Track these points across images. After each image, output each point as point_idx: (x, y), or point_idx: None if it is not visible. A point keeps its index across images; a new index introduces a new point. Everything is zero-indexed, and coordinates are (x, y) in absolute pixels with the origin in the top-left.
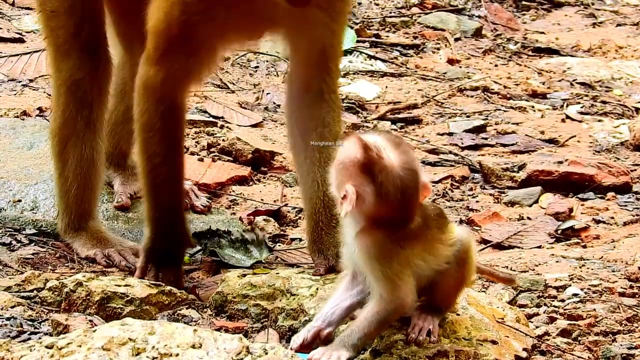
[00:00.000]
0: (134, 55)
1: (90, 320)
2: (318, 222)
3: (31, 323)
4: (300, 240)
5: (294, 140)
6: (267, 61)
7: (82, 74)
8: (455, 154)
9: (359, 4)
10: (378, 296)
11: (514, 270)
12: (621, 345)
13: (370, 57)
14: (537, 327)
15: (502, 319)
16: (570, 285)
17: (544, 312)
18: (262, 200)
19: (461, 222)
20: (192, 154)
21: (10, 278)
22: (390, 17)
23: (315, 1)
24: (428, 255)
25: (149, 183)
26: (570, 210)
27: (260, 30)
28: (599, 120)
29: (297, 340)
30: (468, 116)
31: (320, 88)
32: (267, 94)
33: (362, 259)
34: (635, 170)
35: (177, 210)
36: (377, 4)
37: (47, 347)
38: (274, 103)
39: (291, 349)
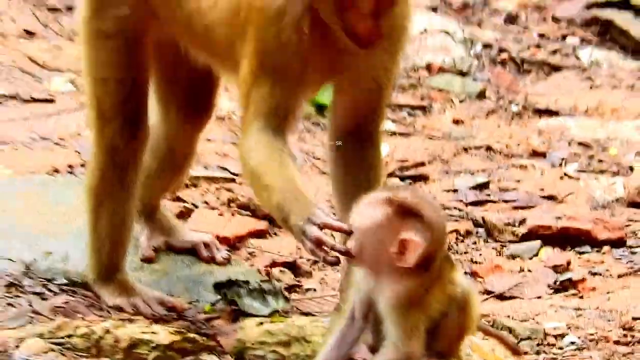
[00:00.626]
0: (168, 118)
1: None
2: None
3: None
4: (315, 290)
5: (337, 183)
6: None
7: (122, 140)
8: (460, 210)
9: None
10: (393, 345)
11: (515, 319)
12: None
13: None
14: None
15: None
16: (568, 334)
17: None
18: (278, 252)
19: (465, 273)
20: (213, 208)
21: (43, 325)
22: (399, 79)
23: (379, 43)
24: (442, 295)
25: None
26: (568, 263)
27: (327, 79)
28: (596, 178)
29: None
30: (472, 174)
31: (369, 129)
32: None
33: (389, 307)
34: (629, 225)
35: None
36: None
37: None
38: None
39: None
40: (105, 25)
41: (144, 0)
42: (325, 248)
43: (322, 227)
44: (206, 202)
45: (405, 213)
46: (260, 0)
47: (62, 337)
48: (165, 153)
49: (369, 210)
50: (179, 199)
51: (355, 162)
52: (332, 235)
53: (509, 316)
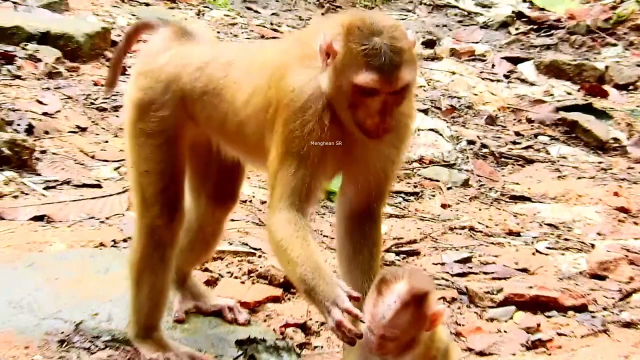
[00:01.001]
0: (200, 203)
1: None
2: None
3: None
4: (322, 347)
5: (344, 257)
6: None
7: (161, 222)
8: (447, 280)
9: None
10: None
11: None
12: None
13: None
14: None
15: None
16: None
17: None
18: (291, 315)
19: (451, 333)
20: (236, 277)
21: None
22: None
23: (386, 136)
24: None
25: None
26: (539, 325)
27: (342, 166)
28: (563, 254)
29: None
30: (457, 250)
31: (372, 210)
32: None
33: None
34: (590, 294)
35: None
36: None
37: None
38: None
39: None
40: (149, 126)
41: (182, 105)
42: (344, 330)
43: (344, 311)
44: (230, 272)
45: (421, 295)
46: (288, 98)
47: None
48: (196, 232)
49: (392, 304)
50: (207, 270)
51: (360, 239)
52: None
53: None
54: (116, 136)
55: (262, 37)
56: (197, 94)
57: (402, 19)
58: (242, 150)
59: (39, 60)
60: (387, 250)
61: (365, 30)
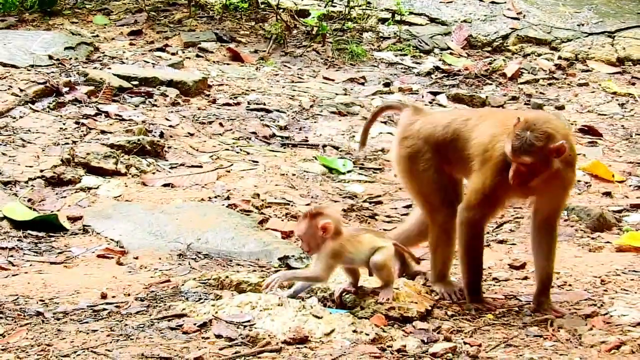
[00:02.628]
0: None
1: None
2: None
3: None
4: None
5: (535, 250)
6: None
7: (448, 219)
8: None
9: None
10: (314, 269)
11: None
12: None
13: None
14: None
15: None
16: None
17: None
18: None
19: None
20: (278, 217)
21: (194, 274)
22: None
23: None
24: (354, 248)
25: (468, 262)
26: None
27: (526, 195)
28: None
29: None
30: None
31: (551, 225)
32: None
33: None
34: None
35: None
36: None
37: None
38: None
39: None
40: (421, 167)
41: (437, 151)
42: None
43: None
44: (275, 215)
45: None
46: (493, 150)
47: (205, 280)
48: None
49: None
50: (262, 213)
51: (544, 240)
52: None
53: None
54: (210, 138)
55: (292, 81)
56: (446, 142)
57: (371, 72)
58: (463, 173)
59: (167, 95)
60: (364, 201)
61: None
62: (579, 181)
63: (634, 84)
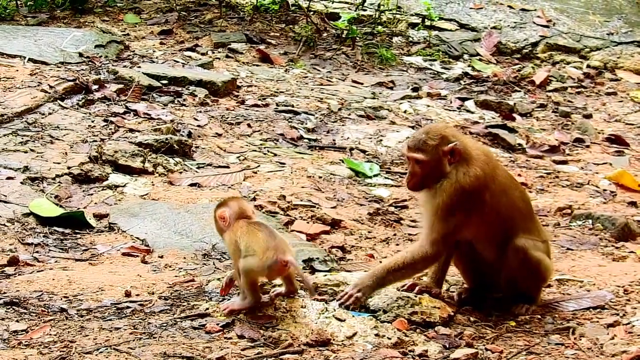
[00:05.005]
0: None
1: None
2: None
3: None
4: (352, 259)
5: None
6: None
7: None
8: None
9: None
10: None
11: None
12: None
13: None
14: None
15: None
16: None
17: None
18: (335, 241)
19: None
20: (303, 219)
21: (219, 274)
22: None
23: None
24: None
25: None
26: None
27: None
28: None
29: None
30: None
31: None
32: None
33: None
34: None
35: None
36: None
37: None
38: None
39: None
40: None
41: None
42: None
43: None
44: (301, 217)
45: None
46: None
47: None
48: None
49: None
50: (288, 215)
51: None
52: None
53: None
54: (238, 139)
55: (321, 84)
56: None
57: (399, 76)
58: None
59: (196, 95)
60: (389, 205)
61: None
62: (604, 190)
63: None
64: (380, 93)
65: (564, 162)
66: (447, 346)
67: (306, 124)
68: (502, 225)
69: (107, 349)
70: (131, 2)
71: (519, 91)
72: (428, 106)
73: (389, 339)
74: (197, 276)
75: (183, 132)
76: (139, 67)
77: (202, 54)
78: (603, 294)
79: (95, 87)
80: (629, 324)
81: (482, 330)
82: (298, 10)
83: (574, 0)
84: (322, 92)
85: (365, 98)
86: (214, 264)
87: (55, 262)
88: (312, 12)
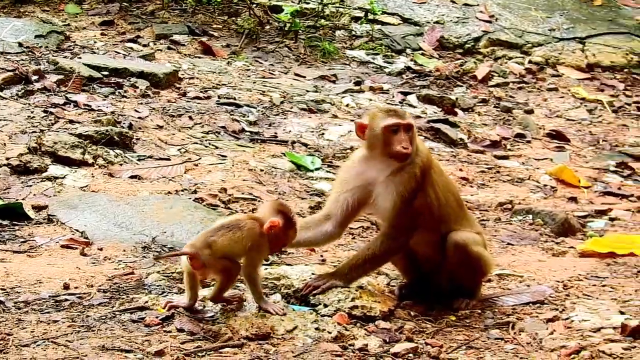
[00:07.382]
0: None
1: None
2: None
3: None
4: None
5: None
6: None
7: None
8: None
9: None
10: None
11: None
12: None
13: None
14: None
15: None
16: None
17: None
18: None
19: None
20: None
21: (165, 266)
22: None
23: None
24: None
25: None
26: None
27: None
28: None
29: None
30: None
31: None
32: None
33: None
34: None
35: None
36: None
37: None
38: None
39: None
40: None
41: None
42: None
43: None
44: None
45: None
46: None
47: (169, 273)
48: None
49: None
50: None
51: None
52: None
53: None
54: (179, 131)
55: (263, 77)
56: None
57: (342, 70)
58: None
59: (137, 87)
60: None
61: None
62: (545, 185)
63: (602, 90)
64: (322, 86)
65: (505, 157)
66: (387, 340)
67: (248, 116)
68: (437, 217)
69: (44, 341)
70: None
71: (461, 86)
72: (370, 100)
73: (329, 332)
74: (137, 269)
75: (124, 123)
76: (80, 57)
77: (144, 46)
78: (543, 289)
79: (35, 77)
80: (568, 319)
81: (422, 325)
82: (241, 2)
83: None
84: (264, 85)
85: (307, 91)
86: (153, 257)
87: None
88: (254, 5)
